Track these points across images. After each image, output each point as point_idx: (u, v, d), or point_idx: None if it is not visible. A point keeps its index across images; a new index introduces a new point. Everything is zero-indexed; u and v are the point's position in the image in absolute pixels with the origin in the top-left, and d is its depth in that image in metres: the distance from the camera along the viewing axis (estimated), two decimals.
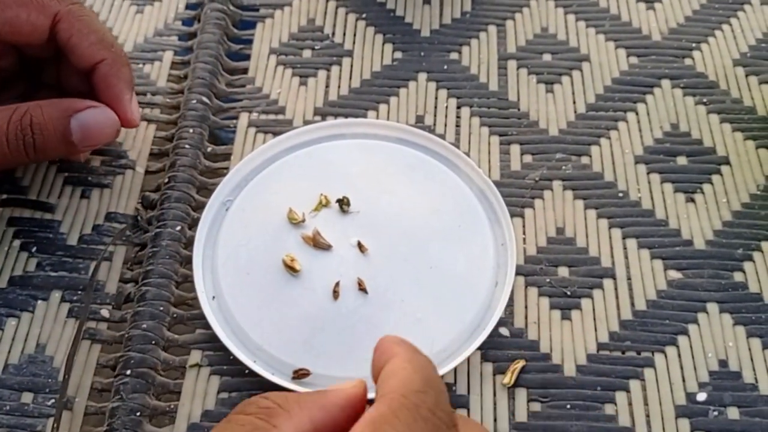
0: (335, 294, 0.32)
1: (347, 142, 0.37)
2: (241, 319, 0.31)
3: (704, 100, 0.39)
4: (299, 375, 0.30)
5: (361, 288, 0.32)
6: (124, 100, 0.34)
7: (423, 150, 0.36)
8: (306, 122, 0.38)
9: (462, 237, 0.33)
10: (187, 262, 0.33)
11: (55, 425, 0.29)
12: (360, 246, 0.33)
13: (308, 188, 0.35)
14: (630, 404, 0.30)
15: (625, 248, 0.34)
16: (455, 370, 0.31)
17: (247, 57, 0.41)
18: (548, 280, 0.33)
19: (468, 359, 0.31)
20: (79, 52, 0.33)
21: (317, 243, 0.33)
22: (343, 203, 0.34)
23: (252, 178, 0.35)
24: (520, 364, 0.31)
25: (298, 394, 0.22)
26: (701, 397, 0.30)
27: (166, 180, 0.35)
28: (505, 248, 0.33)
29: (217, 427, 0.21)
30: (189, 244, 0.34)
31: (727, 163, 0.37)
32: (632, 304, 0.33)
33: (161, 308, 0.31)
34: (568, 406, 0.30)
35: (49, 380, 0.30)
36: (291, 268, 0.32)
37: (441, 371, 0.29)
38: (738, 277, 0.33)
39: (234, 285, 0.32)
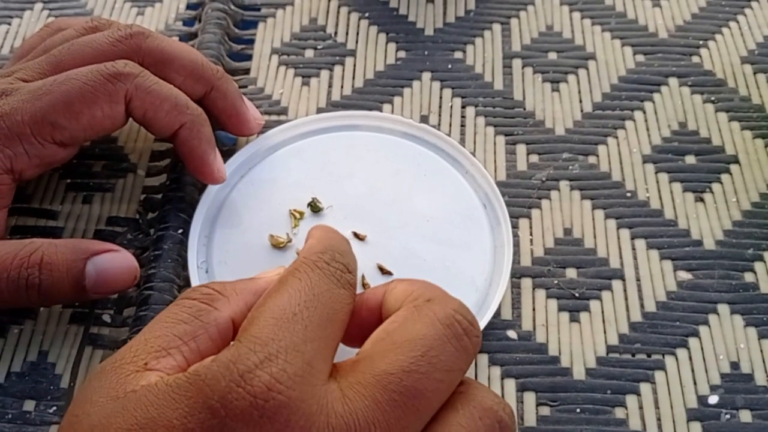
0: (365, 287, 0.31)
1: (352, 134, 0.36)
2: None
3: (712, 98, 0.38)
4: None
5: (385, 272, 0.32)
6: (209, 160, 0.33)
7: (426, 145, 0.36)
8: None
9: (460, 233, 0.33)
10: None
11: None
12: (356, 236, 0.33)
13: (301, 184, 0.35)
14: (641, 408, 0.30)
15: (633, 249, 0.34)
16: None
17: (249, 57, 0.41)
18: (556, 281, 0.33)
19: (476, 363, 0.30)
20: (157, 124, 0.32)
21: None
22: (314, 205, 0.34)
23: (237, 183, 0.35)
24: None
25: (233, 282, 0.25)
26: (713, 399, 0.30)
27: (168, 182, 0.35)
28: (502, 250, 0.33)
29: (164, 310, 0.24)
30: None
31: (736, 162, 0.36)
32: (642, 306, 0.32)
33: None
34: (578, 410, 0.30)
35: (51, 387, 0.30)
36: None
37: None
38: (749, 277, 0.33)
39: None
